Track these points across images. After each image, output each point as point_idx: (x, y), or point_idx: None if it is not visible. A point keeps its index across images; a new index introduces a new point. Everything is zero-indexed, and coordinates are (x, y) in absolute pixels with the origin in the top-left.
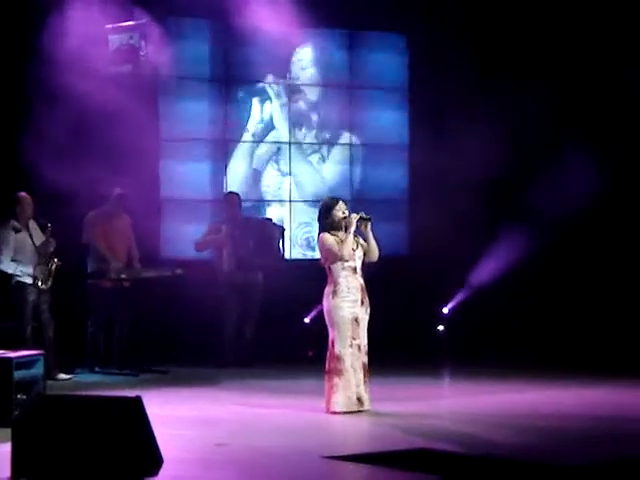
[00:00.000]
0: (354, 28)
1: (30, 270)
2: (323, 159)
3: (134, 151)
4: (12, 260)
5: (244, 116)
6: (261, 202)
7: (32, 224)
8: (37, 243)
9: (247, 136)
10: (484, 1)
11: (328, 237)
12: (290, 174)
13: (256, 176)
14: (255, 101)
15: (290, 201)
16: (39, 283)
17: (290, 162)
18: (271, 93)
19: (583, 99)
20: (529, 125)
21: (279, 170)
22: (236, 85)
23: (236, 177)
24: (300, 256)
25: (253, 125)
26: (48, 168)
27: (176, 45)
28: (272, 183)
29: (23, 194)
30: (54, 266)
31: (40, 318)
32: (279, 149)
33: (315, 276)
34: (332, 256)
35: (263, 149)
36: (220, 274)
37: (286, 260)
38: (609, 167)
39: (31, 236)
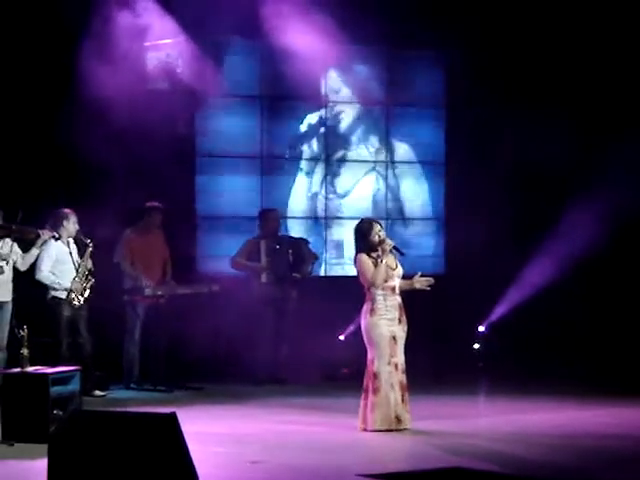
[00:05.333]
0: (391, 45)
1: (66, 284)
2: (366, 176)
3: (170, 167)
4: (50, 271)
5: (281, 133)
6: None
7: (71, 242)
8: (76, 259)
9: (285, 153)
10: (521, 18)
11: (365, 259)
12: (325, 191)
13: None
14: (292, 118)
15: (325, 218)
16: (73, 299)
17: (325, 178)
18: (309, 112)
19: (619, 115)
20: (565, 141)
21: (323, 187)
22: (273, 102)
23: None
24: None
25: (290, 142)
26: (84, 184)
27: (214, 63)
28: (317, 202)
29: (67, 210)
30: (89, 284)
31: (77, 334)
32: (326, 167)
33: (351, 293)
34: (365, 281)
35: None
36: (256, 289)
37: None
38: None
39: (71, 252)
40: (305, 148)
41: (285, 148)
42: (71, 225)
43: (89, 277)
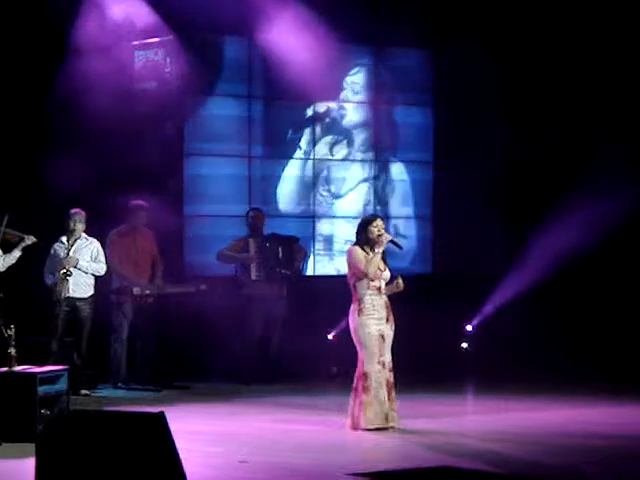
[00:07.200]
0: (380, 44)
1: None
2: (355, 175)
3: (158, 167)
4: (51, 274)
5: (270, 132)
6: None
7: (81, 241)
8: (80, 260)
9: (274, 152)
10: (510, 16)
11: (357, 251)
12: (314, 190)
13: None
14: (281, 118)
15: (314, 217)
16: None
17: (316, 177)
18: (298, 111)
19: (611, 116)
20: (554, 140)
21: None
22: (263, 101)
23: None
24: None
25: (279, 141)
26: (71, 184)
27: (203, 62)
28: (307, 200)
29: (74, 210)
30: (60, 285)
31: (78, 331)
32: (315, 166)
33: (340, 293)
34: (357, 271)
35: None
36: (246, 286)
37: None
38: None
39: (68, 252)
40: (295, 147)
41: (274, 147)
42: (71, 225)
43: (65, 276)
